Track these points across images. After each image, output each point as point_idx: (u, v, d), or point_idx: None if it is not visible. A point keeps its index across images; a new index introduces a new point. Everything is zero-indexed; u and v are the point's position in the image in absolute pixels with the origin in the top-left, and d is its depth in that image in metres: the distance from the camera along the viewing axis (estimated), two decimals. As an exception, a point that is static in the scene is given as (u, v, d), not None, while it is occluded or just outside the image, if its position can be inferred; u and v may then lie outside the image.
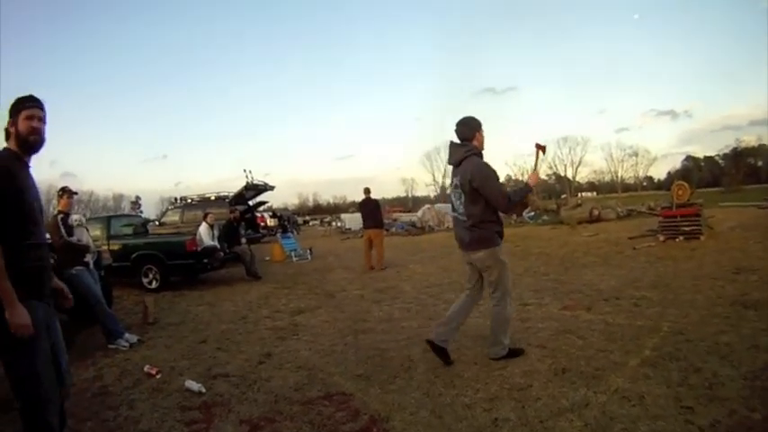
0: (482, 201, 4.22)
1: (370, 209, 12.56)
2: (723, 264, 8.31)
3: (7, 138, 2.65)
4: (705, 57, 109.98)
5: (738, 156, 71.72)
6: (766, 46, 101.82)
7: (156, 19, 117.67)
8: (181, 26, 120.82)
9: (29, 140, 2.62)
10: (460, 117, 4.46)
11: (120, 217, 13.56)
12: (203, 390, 4.31)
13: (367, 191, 12.54)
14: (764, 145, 72.61)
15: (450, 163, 4.51)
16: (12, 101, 2.70)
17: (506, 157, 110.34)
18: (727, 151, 74.75)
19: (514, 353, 4.56)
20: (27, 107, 2.66)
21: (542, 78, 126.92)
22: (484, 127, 4.47)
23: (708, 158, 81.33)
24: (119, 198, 71.79)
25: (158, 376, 4.79)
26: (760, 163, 72.30)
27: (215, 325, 7.03)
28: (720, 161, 76.14)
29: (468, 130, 4.40)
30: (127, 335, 6.14)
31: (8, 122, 2.65)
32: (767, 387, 3.44)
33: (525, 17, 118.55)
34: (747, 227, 12.82)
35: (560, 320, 5.78)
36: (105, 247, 10.38)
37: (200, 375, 4.74)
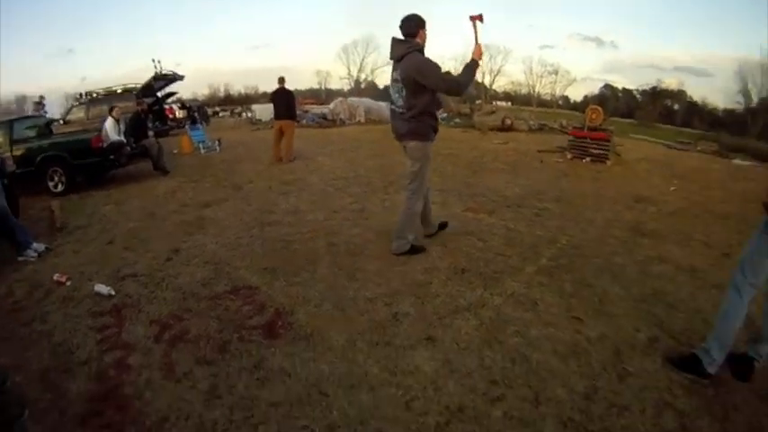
0: (425, 95, 4.39)
1: (284, 99, 12.16)
2: (625, 191, 8.69)
3: None
4: None
5: (657, 95, 74.52)
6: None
7: None
8: None
9: None
10: (406, 14, 4.47)
11: (23, 119, 12.33)
12: (113, 292, 4.31)
13: (281, 80, 12.08)
14: (684, 91, 75.77)
15: (391, 58, 4.57)
16: None
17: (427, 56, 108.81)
18: (646, 88, 77.31)
19: (416, 249, 4.74)
20: None
21: None
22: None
23: (626, 90, 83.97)
24: (22, 100, 64.95)
25: (68, 283, 4.66)
26: (677, 107, 75.72)
27: (122, 224, 6.81)
28: (638, 96, 78.89)
29: (413, 26, 4.44)
30: (35, 244, 5.81)
31: None
32: (653, 312, 3.68)
33: None
34: (654, 161, 13.46)
35: (463, 222, 5.94)
36: (8, 154, 9.49)
37: (109, 278, 4.70)
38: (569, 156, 12.47)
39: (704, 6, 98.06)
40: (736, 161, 19.39)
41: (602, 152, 12.17)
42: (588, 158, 12.12)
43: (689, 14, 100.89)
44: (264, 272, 4.47)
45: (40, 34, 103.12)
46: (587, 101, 77.95)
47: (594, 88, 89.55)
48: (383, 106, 27.73)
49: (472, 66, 4.36)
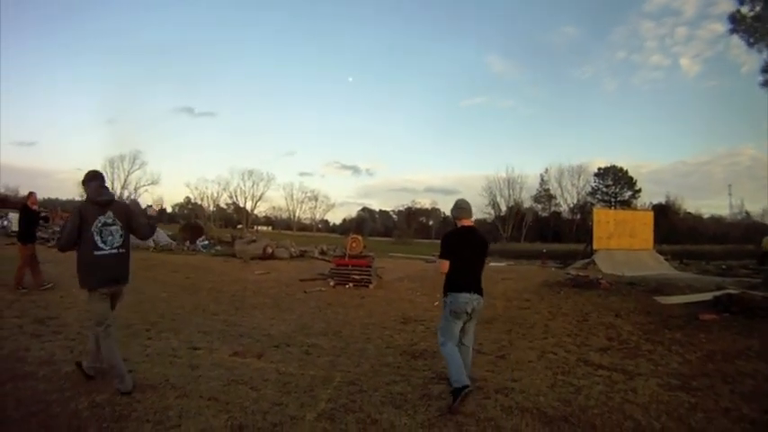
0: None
1: (21, 217, 11.15)
2: (391, 313, 9.26)
3: None
4: (395, 127, 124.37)
5: (412, 214, 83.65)
6: (449, 133, 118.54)
7: None
8: None
9: None
10: (93, 171, 5.38)
11: None
12: None
13: (29, 196, 11.34)
14: (437, 208, 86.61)
15: (98, 201, 5.02)
16: None
17: (189, 179, 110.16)
18: (402, 208, 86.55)
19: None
20: None
21: (240, 112, 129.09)
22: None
23: (383, 212, 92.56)
24: None
25: None
26: (431, 222, 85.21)
27: None
28: (395, 216, 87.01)
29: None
30: None
31: None
32: (446, 434, 3.83)
33: (235, 53, 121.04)
34: (414, 278, 14.50)
35: (231, 368, 5.74)
36: None
37: None
38: (332, 283, 13.12)
39: (453, 135, 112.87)
40: (492, 264, 21.65)
41: (364, 277, 13.04)
42: (351, 284, 12.83)
43: (439, 143, 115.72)
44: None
45: None
46: (346, 224, 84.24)
47: (352, 211, 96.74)
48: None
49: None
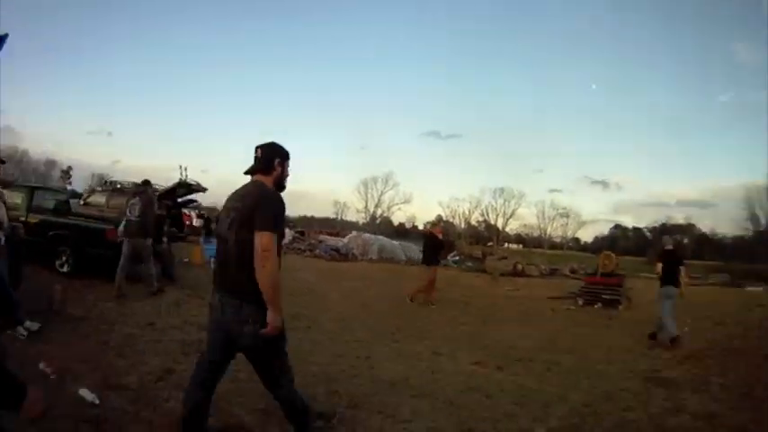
0: None
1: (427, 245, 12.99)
2: (638, 337, 8.77)
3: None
4: (640, 136, 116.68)
5: (667, 231, 75.73)
6: (696, 136, 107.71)
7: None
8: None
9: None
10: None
11: (45, 190, 13.48)
12: (97, 401, 4.02)
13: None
14: (693, 224, 77.57)
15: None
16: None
17: (442, 199, 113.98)
18: (656, 225, 79.25)
19: None
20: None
21: (485, 131, 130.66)
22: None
23: (636, 229, 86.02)
24: (51, 164, 69.49)
25: (53, 377, 4.43)
26: (686, 240, 76.50)
27: (120, 327, 6.59)
28: (648, 233, 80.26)
29: None
30: (28, 322, 5.74)
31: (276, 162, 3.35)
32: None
33: (478, 72, 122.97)
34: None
35: (471, 376, 5.86)
36: (23, 218, 9.87)
37: (96, 384, 4.39)
38: (581, 302, 12.73)
39: (704, 139, 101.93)
40: (749, 288, 19.46)
41: (614, 297, 12.45)
42: (600, 304, 12.34)
43: (687, 150, 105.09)
44: (259, 413, 4.17)
45: (85, 111, 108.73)
46: (598, 242, 79.98)
47: (604, 229, 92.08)
48: (396, 245, 28.48)
49: None
